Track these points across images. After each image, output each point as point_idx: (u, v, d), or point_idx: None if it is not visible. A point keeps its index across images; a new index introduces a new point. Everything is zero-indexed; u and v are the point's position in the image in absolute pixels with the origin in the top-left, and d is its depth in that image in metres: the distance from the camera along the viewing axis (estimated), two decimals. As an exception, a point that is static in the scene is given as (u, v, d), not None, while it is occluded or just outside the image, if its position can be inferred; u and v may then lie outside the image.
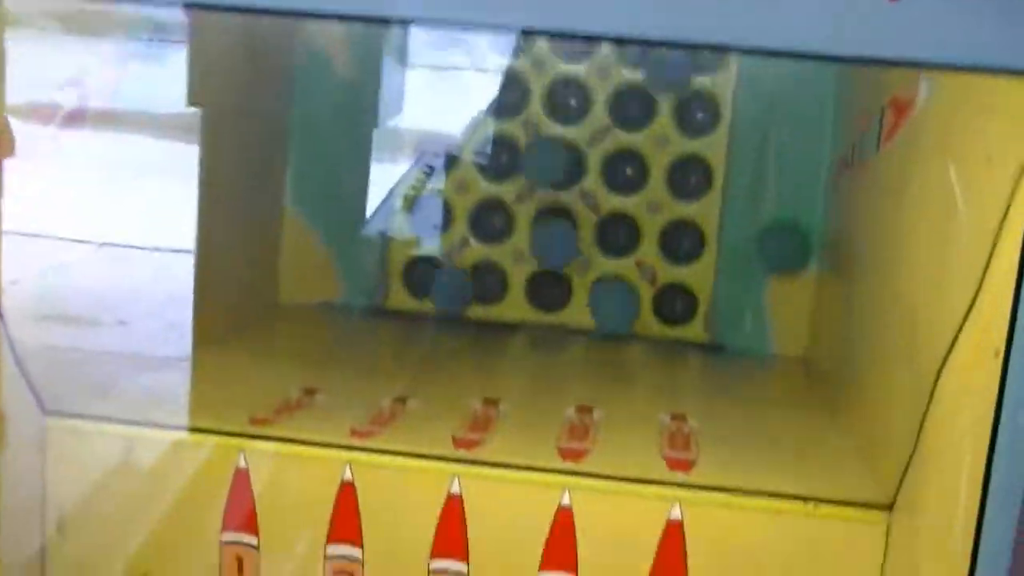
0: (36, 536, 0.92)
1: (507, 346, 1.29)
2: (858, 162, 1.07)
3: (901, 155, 0.91)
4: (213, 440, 0.91)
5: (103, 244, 1.06)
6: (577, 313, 1.36)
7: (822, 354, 1.21)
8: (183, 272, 1.07)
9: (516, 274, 1.36)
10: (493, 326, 1.34)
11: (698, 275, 1.34)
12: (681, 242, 1.36)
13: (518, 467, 0.88)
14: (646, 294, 1.35)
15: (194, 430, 0.91)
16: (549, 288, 1.38)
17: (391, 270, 1.36)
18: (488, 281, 1.37)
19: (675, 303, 1.36)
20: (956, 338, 0.73)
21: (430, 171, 1.42)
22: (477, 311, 1.37)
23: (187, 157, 1.10)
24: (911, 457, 0.79)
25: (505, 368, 1.23)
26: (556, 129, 1.35)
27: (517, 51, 1.34)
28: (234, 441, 0.90)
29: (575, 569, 0.88)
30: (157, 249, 1.08)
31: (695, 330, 1.34)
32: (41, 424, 0.91)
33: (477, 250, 1.36)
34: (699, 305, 1.34)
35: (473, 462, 0.89)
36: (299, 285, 1.35)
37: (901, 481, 0.81)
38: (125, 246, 1.07)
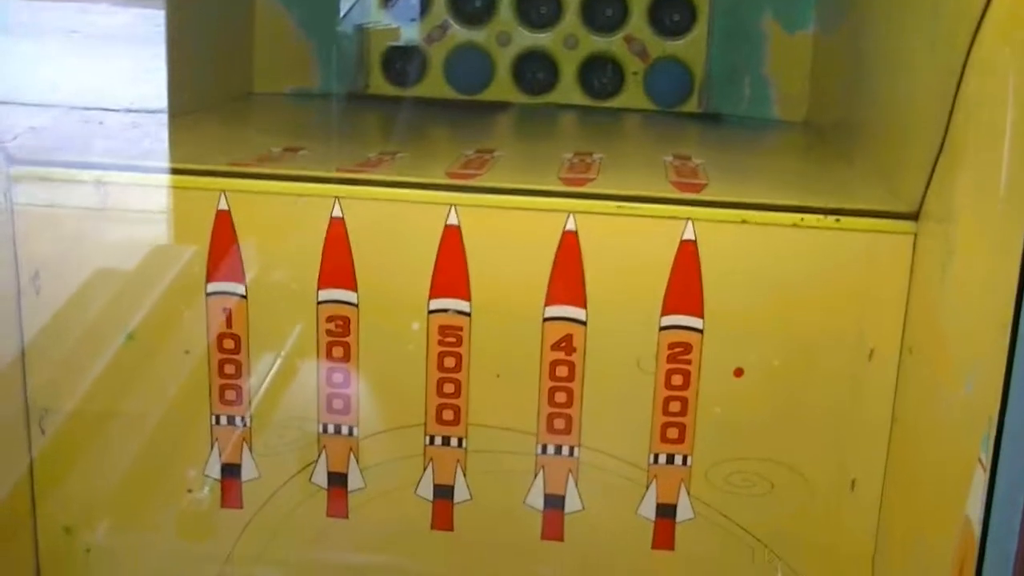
0: (11, 293, 0.86)
1: (497, 118, 1.23)
2: None
3: None
4: (192, 182, 0.84)
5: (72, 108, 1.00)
6: (567, 92, 1.29)
7: (827, 115, 1.16)
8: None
9: (501, 57, 1.28)
10: (482, 105, 1.27)
11: (690, 48, 1.27)
12: (671, 14, 1.27)
13: (518, 192, 0.82)
14: (637, 69, 1.27)
15: (171, 172, 0.84)
16: (535, 71, 1.29)
17: (370, 58, 1.29)
18: (471, 65, 1.29)
19: (669, 76, 1.27)
20: (988, 5, 0.66)
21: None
22: (463, 95, 1.29)
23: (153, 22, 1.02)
24: (938, 157, 0.73)
25: (497, 131, 1.18)
26: None
27: None
28: (214, 181, 0.84)
29: (583, 301, 0.83)
30: (129, 110, 1.02)
31: (691, 104, 1.27)
32: (7, 173, 0.84)
33: (459, 34, 1.28)
34: (694, 78, 1.26)
35: (470, 189, 0.83)
36: (274, 72, 1.29)
37: (928, 185, 0.75)
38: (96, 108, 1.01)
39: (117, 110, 1.00)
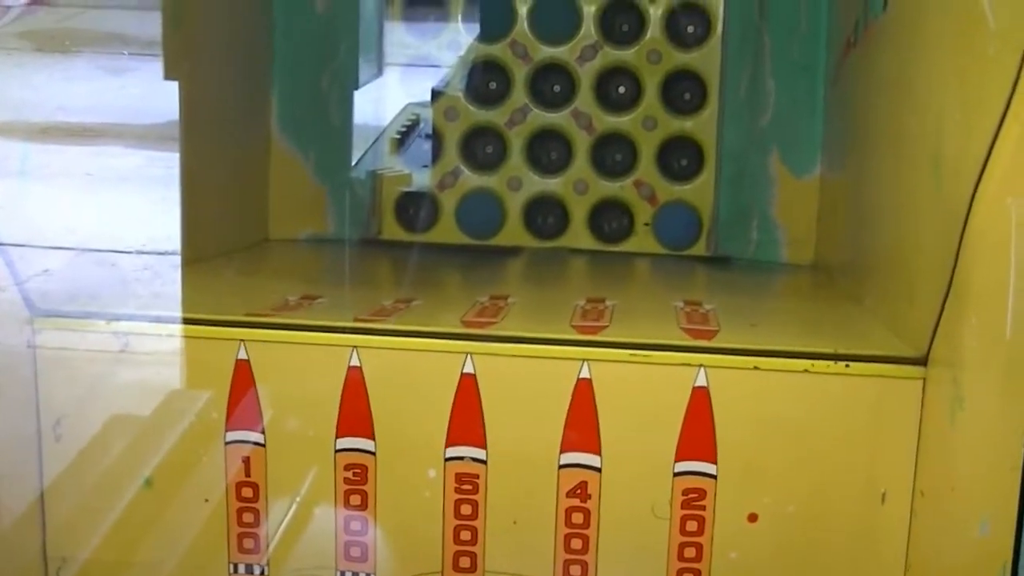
0: (31, 440, 0.87)
1: (509, 264, 1.25)
2: (864, 35, 1.04)
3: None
4: (212, 332, 0.85)
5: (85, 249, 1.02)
6: (577, 236, 1.31)
7: (833, 257, 1.17)
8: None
9: (512, 202, 1.31)
10: (493, 250, 1.29)
11: (698, 191, 1.29)
12: (679, 158, 1.30)
13: (533, 340, 0.83)
14: (645, 213, 1.29)
15: (191, 322, 0.86)
16: (546, 215, 1.31)
17: (383, 204, 1.31)
18: (482, 210, 1.32)
19: (677, 220, 1.30)
20: (989, 156, 0.68)
21: (416, 118, 1.39)
22: (474, 239, 1.31)
23: (166, 164, 1.05)
24: (944, 302, 0.74)
25: (510, 276, 1.19)
26: (545, 51, 1.29)
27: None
28: (234, 331, 0.85)
29: (598, 447, 0.84)
30: (141, 252, 1.04)
31: (699, 247, 1.29)
32: (30, 325, 0.86)
33: (470, 179, 1.31)
34: (702, 222, 1.28)
35: (486, 338, 0.84)
36: (289, 218, 1.30)
37: (935, 330, 0.76)
38: (108, 251, 1.03)
39: (130, 252, 1.01)
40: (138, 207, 1.08)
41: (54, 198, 1.03)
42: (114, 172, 1.10)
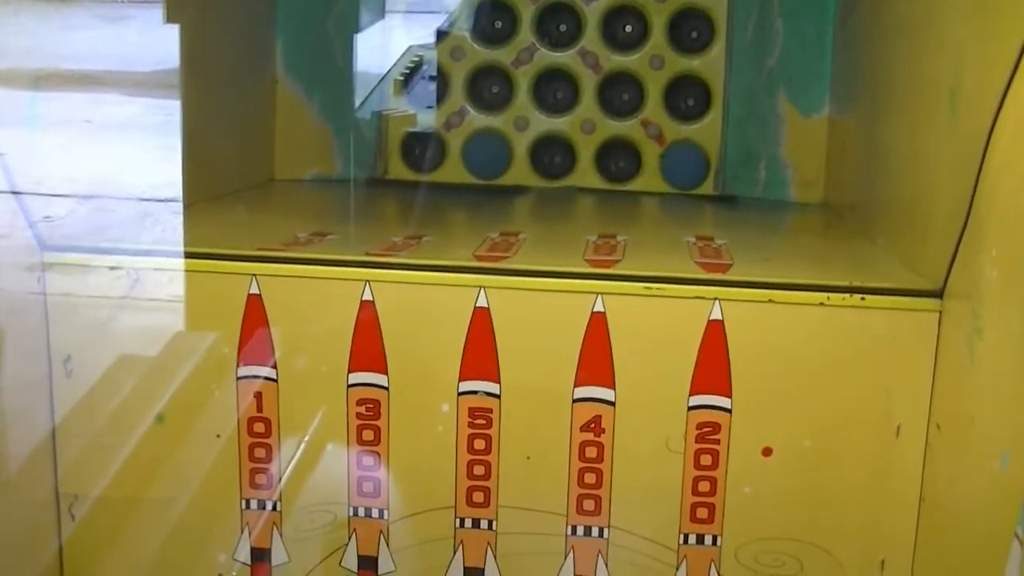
0: (43, 377, 0.86)
1: (516, 203, 1.24)
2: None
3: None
4: (223, 266, 0.85)
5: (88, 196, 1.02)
6: (584, 176, 1.30)
7: (843, 196, 1.17)
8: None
9: (518, 142, 1.30)
10: (500, 189, 1.28)
11: (706, 131, 1.28)
12: (687, 98, 1.29)
13: (546, 274, 0.83)
14: (653, 153, 1.29)
15: (202, 256, 0.85)
16: (552, 155, 1.30)
17: (389, 144, 1.31)
18: (489, 150, 1.31)
19: (685, 160, 1.29)
20: (1009, 86, 0.68)
21: (419, 60, 1.38)
22: (481, 179, 1.30)
23: (166, 111, 1.04)
24: (962, 234, 0.74)
25: (518, 214, 1.19)
26: (550, -14, 1.28)
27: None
28: (245, 266, 0.85)
29: (612, 382, 0.83)
30: (142, 199, 1.04)
31: (707, 187, 1.28)
32: (40, 262, 0.85)
33: (476, 120, 1.30)
34: (710, 161, 1.28)
35: (498, 271, 0.84)
36: (295, 159, 1.30)
37: (952, 263, 0.76)
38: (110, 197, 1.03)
39: (130, 199, 1.01)
40: (139, 154, 1.08)
41: (55, 145, 1.02)
42: (113, 119, 1.10)
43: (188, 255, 0.85)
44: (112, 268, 0.86)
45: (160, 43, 1.01)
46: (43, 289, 0.85)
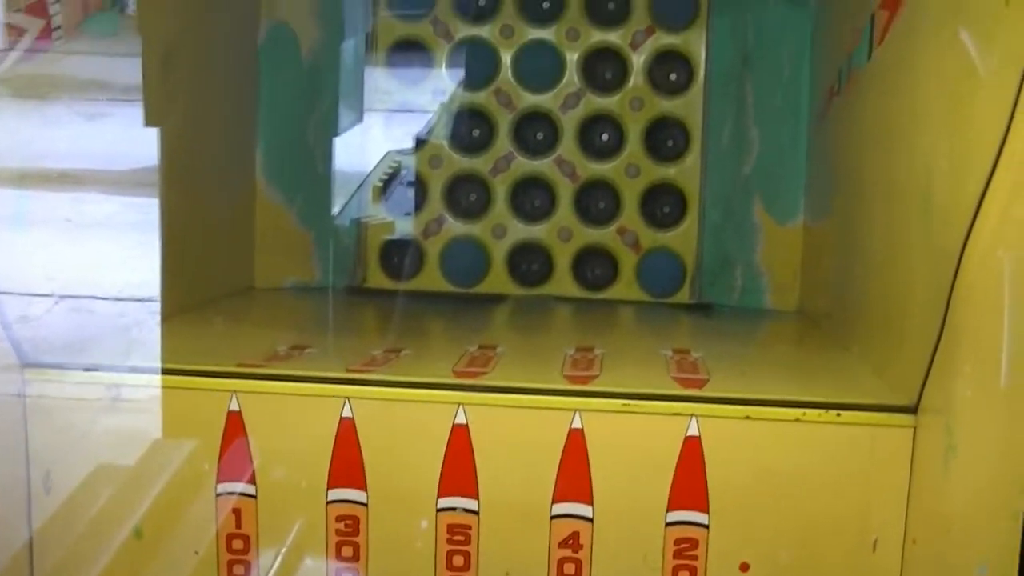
0: (21, 491, 0.86)
1: (494, 311, 1.25)
2: (847, 83, 1.05)
3: (898, 47, 0.89)
4: (203, 383, 0.85)
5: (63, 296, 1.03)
6: (561, 283, 1.31)
7: (818, 304, 1.18)
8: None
9: (496, 249, 1.31)
10: (478, 298, 1.29)
11: (682, 238, 1.29)
12: (663, 206, 1.30)
13: (524, 391, 0.83)
14: (629, 261, 1.30)
15: (182, 372, 0.86)
16: (530, 262, 1.32)
17: (368, 252, 1.32)
18: (467, 258, 1.32)
19: (661, 267, 1.30)
20: (979, 206, 0.69)
21: (397, 165, 1.39)
22: (459, 287, 1.31)
23: (143, 210, 1.05)
24: (936, 350, 0.75)
25: (496, 325, 1.19)
26: (528, 98, 1.30)
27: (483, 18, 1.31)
28: (225, 382, 0.85)
29: (590, 497, 0.84)
30: (119, 299, 1.04)
31: (683, 294, 1.29)
32: (20, 375, 0.85)
33: (454, 227, 1.31)
34: (686, 269, 1.29)
35: (477, 388, 0.84)
36: (275, 267, 1.31)
37: (926, 378, 0.77)
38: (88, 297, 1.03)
39: (107, 298, 1.01)
40: (118, 253, 1.08)
41: (35, 244, 1.02)
42: (92, 218, 1.10)
43: (168, 371, 0.86)
44: (92, 383, 0.85)
45: (140, 141, 1.02)
46: (23, 403, 0.85)
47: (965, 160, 0.71)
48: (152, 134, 1.02)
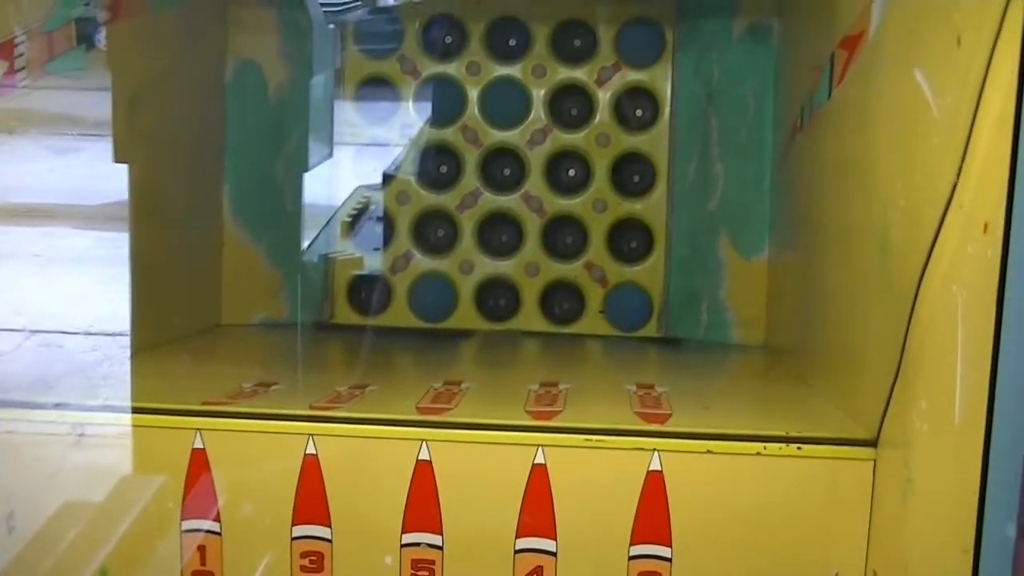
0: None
1: (461, 347, 1.25)
2: (809, 121, 1.06)
3: (856, 86, 0.90)
4: (167, 421, 0.86)
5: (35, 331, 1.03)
6: (529, 318, 1.32)
7: (783, 338, 1.19)
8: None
9: (463, 285, 1.32)
10: (445, 333, 1.30)
11: (649, 273, 1.30)
12: (630, 241, 1.31)
13: (487, 427, 0.84)
14: (596, 295, 1.31)
15: (146, 411, 0.86)
16: (497, 298, 1.32)
17: (336, 288, 1.32)
18: (435, 293, 1.32)
19: (628, 302, 1.31)
20: (934, 244, 0.70)
21: (366, 201, 1.40)
22: (426, 323, 1.32)
23: (114, 245, 1.06)
24: (894, 385, 0.76)
25: (462, 360, 1.20)
26: (495, 135, 1.31)
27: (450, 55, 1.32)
28: (189, 420, 0.85)
29: (553, 532, 0.84)
30: (88, 333, 1.05)
31: (650, 328, 1.30)
32: (-18, 415, 0.86)
33: (422, 263, 1.32)
34: (653, 303, 1.30)
35: (440, 424, 0.85)
36: (242, 303, 1.31)
37: (885, 412, 0.78)
38: (57, 332, 1.04)
39: (77, 333, 1.01)
40: (87, 287, 1.08)
41: (3, 279, 1.03)
42: (62, 253, 1.10)
43: (133, 410, 0.86)
44: (58, 422, 0.85)
45: (110, 176, 1.03)
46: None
47: (920, 198, 0.72)
48: (122, 169, 1.02)
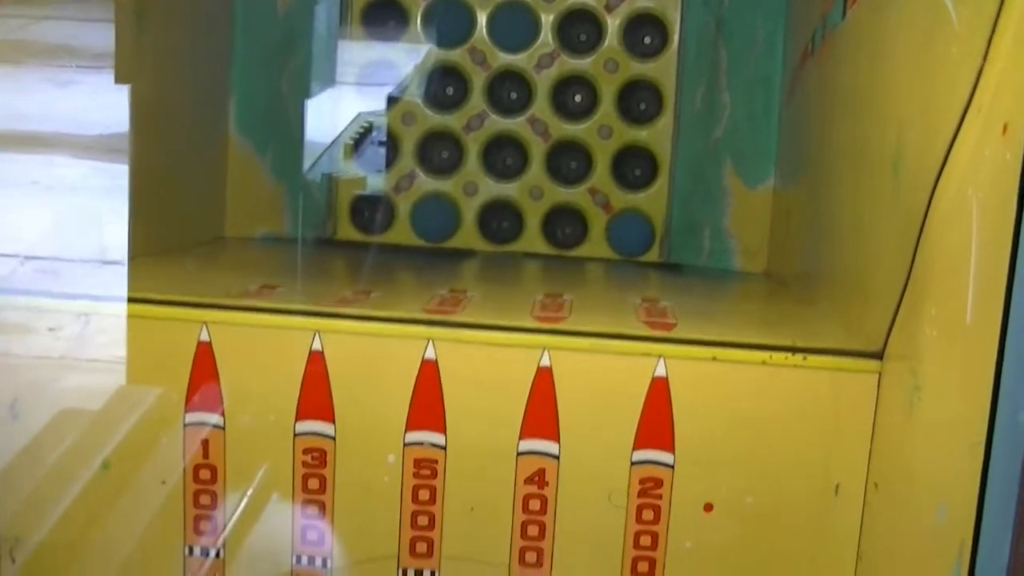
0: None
1: (464, 264, 1.25)
2: (822, 44, 1.06)
3: (872, 4, 0.90)
4: (174, 312, 0.86)
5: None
6: (531, 241, 1.32)
7: (786, 265, 1.19)
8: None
9: (467, 206, 1.32)
10: (447, 252, 1.30)
11: (652, 200, 1.30)
12: (634, 168, 1.31)
13: (494, 327, 0.84)
14: (599, 221, 1.31)
15: (152, 302, 0.86)
16: (500, 220, 1.32)
17: (338, 206, 1.32)
18: (438, 214, 1.32)
19: (631, 228, 1.31)
20: (949, 150, 0.70)
21: (368, 125, 1.39)
22: (429, 243, 1.32)
23: (112, 175, 1.05)
24: (902, 297, 0.76)
25: (465, 275, 1.20)
26: (503, 58, 1.30)
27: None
28: (196, 312, 0.85)
29: (556, 435, 0.84)
30: (85, 261, 1.04)
31: (652, 255, 1.30)
32: (-11, 303, 0.86)
33: (426, 184, 1.31)
34: (655, 230, 1.30)
35: (447, 324, 0.85)
36: (245, 217, 1.31)
37: (891, 326, 0.78)
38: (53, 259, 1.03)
39: (72, 260, 1.01)
40: (85, 217, 1.08)
41: (1, 205, 1.02)
42: (60, 181, 1.10)
43: (139, 301, 0.86)
44: (63, 312, 0.85)
45: (110, 107, 1.02)
46: (-8, 330, 0.85)
47: (936, 112, 0.72)
48: (123, 99, 1.01)
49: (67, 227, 1.02)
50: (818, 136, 1.06)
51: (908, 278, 0.75)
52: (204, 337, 0.84)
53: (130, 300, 0.86)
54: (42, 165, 1.05)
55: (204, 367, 0.85)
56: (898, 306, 0.77)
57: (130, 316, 0.86)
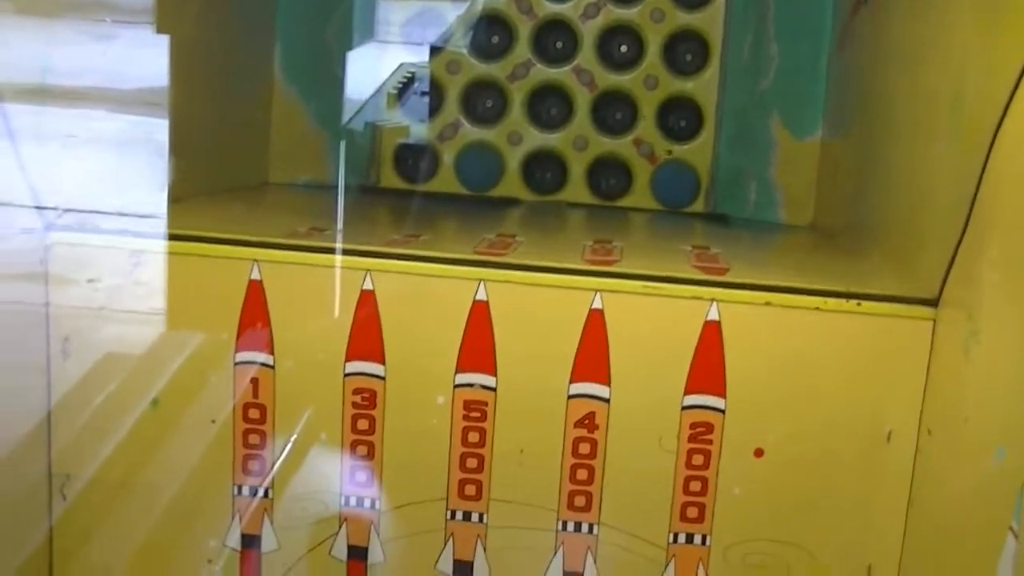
0: (40, 356, 0.86)
1: (509, 212, 1.25)
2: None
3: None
4: (225, 251, 0.85)
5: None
6: (575, 191, 1.31)
7: (834, 218, 1.18)
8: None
9: (511, 156, 1.31)
10: (492, 201, 1.29)
11: (697, 151, 1.29)
12: (679, 118, 1.30)
13: (546, 269, 0.84)
14: (644, 171, 1.30)
15: (203, 240, 0.86)
16: (544, 170, 1.31)
17: (382, 154, 1.32)
18: (482, 163, 1.32)
19: (676, 179, 1.30)
20: (1014, 92, 0.69)
21: (411, 75, 1.38)
22: (472, 191, 1.31)
23: (150, 129, 1.05)
24: (960, 242, 0.75)
25: (513, 221, 1.19)
26: (548, 7, 1.29)
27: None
28: (247, 251, 0.85)
29: (607, 379, 0.84)
30: (123, 214, 1.04)
31: (697, 206, 1.30)
32: (44, 241, 0.86)
33: (470, 133, 1.31)
34: (700, 181, 1.29)
35: (498, 265, 0.84)
36: (289, 163, 1.31)
37: (948, 272, 0.77)
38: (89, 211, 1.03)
39: (110, 213, 1.01)
40: (124, 172, 1.08)
41: (39, 158, 1.02)
42: (98, 135, 1.10)
43: (191, 239, 0.86)
44: (115, 249, 0.85)
45: (147, 61, 1.02)
46: (45, 269, 0.85)
47: (999, 53, 0.71)
48: (162, 53, 1.01)
49: (105, 180, 1.01)
50: (871, 85, 1.05)
51: (967, 222, 0.74)
52: (255, 275, 0.84)
53: (180, 238, 0.85)
54: (80, 119, 1.05)
55: (255, 306, 0.85)
56: (955, 251, 0.76)
57: (180, 254, 0.86)
